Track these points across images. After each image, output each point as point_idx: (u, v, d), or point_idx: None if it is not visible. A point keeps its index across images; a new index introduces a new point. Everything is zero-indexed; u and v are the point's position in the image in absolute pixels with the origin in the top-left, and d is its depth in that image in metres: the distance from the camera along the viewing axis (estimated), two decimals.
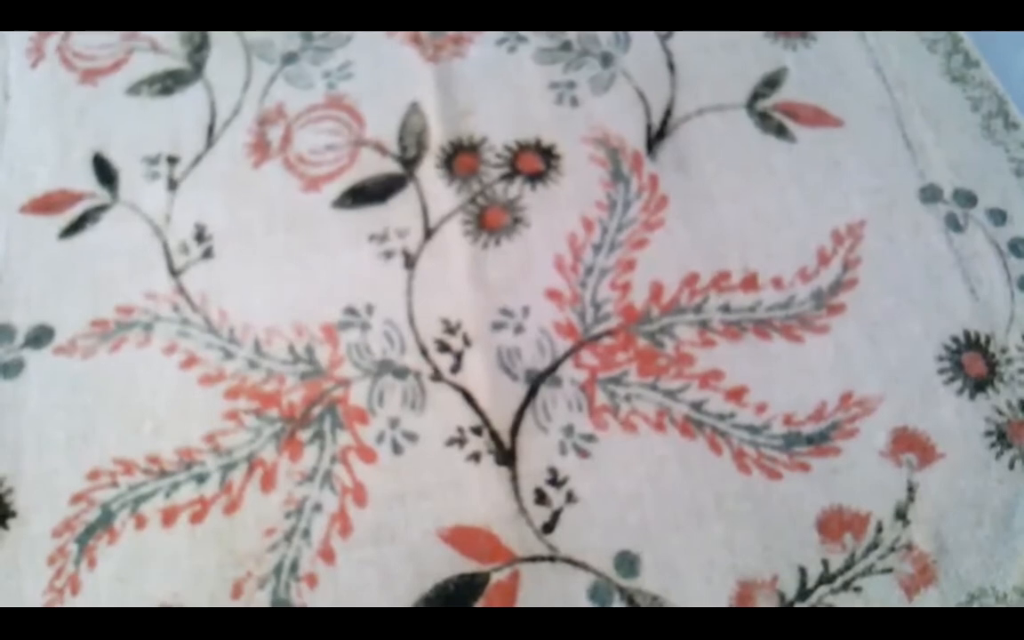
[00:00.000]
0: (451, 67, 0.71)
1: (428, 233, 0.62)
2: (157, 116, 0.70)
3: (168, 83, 0.71)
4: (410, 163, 0.65)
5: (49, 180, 0.67)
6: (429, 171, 0.65)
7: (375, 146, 0.66)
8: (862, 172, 0.65)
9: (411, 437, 0.54)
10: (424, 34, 0.72)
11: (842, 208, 0.63)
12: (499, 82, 0.70)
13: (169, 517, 0.53)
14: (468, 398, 0.55)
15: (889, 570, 0.50)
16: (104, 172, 0.67)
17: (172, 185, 0.66)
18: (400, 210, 0.64)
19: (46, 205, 0.66)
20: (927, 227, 0.62)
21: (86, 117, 0.70)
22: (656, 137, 0.67)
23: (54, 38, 0.74)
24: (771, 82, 0.69)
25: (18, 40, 0.74)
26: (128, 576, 0.51)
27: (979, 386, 0.55)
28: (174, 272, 0.62)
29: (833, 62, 0.71)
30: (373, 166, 0.66)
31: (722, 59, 0.71)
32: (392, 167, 0.66)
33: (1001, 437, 0.54)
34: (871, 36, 0.71)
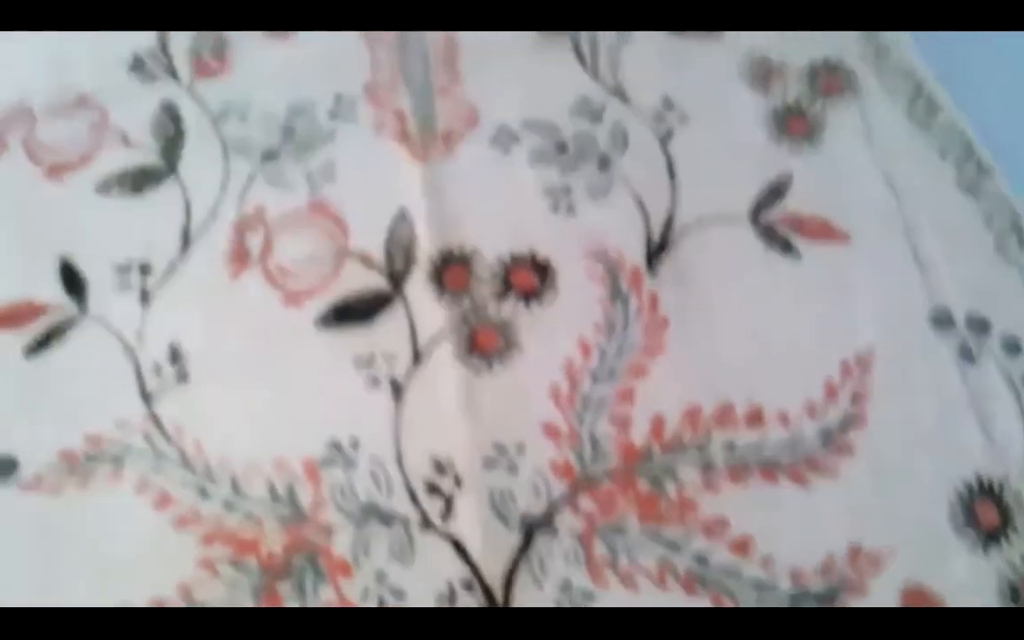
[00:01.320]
0: (441, 168, 0.71)
1: (417, 357, 0.63)
2: (129, 217, 0.70)
3: (140, 180, 0.71)
4: (397, 278, 0.66)
5: (13, 288, 0.67)
6: (418, 286, 0.66)
7: (360, 258, 0.67)
8: (871, 294, 0.65)
9: (398, 593, 0.54)
10: (412, 130, 0.72)
11: (850, 335, 0.64)
12: (492, 186, 0.71)
13: None
14: (459, 549, 0.56)
15: None
16: (72, 281, 0.67)
17: (145, 297, 0.66)
18: (387, 331, 0.64)
19: (10, 318, 0.65)
20: (939, 357, 0.63)
21: (53, 217, 0.70)
22: (656, 251, 0.67)
23: (18, 129, 0.74)
24: (776, 190, 0.70)
25: None
26: None
27: (992, 537, 0.56)
28: (146, 397, 0.62)
29: (840, 169, 0.72)
30: (358, 280, 0.66)
31: (724, 163, 0.72)
32: (378, 282, 0.66)
33: (1014, 593, 0.54)
34: (879, 141, 0.72)
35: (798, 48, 0.77)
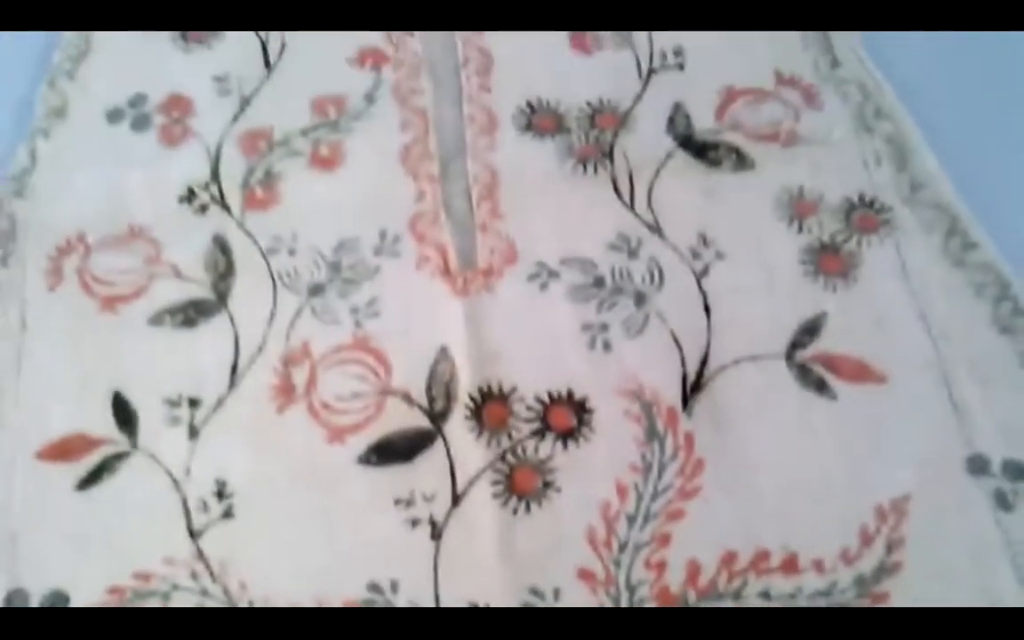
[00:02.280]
0: (481, 303, 0.76)
1: (456, 498, 0.67)
2: (179, 351, 0.75)
3: (191, 313, 0.76)
4: (438, 417, 0.70)
5: (66, 421, 0.72)
6: (457, 425, 0.70)
7: (402, 396, 0.71)
8: (907, 438, 0.68)
9: None
10: (454, 266, 0.77)
11: (886, 480, 0.67)
12: (530, 322, 0.75)
13: None
14: None
15: None
16: (123, 414, 0.72)
17: (193, 432, 0.70)
18: (427, 471, 0.68)
19: (63, 451, 0.70)
20: (974, 504, 0.66)
21: (106, 350, 0.75)
22: (692, 390, 0.71)
23: (73, 259, 0.79)
24: (810, 329, 0.74)
25: (36, 259, 0.80)
26: None
27: None
28: (193, 534, 0.66)
29: (875, 307, 0.75)
30: (400, 418, 0.70)
31: (760, 301, 0.76)
32: (419, 420, 0.70)
33: None
34: (914, 278, 0.76)
35: (833, 183, 0.81)
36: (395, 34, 0.94)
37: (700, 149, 0.84)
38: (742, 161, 0.83)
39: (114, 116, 0.89)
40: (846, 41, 0.90)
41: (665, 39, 0.92)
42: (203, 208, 0.83)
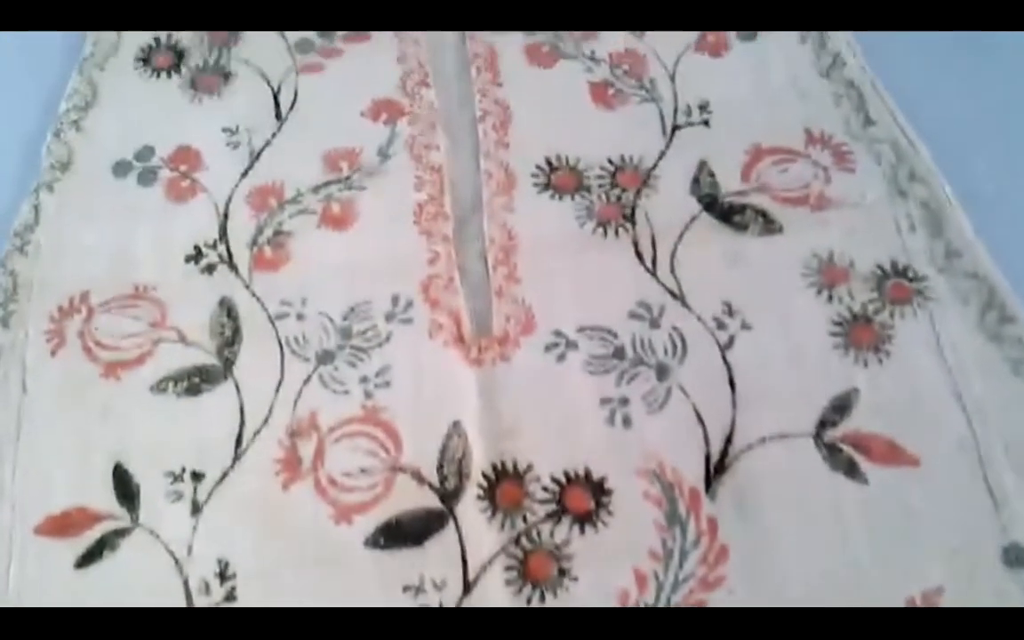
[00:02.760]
0: (495, 374, 0.75)
1: (467, 586, 0.65)
2: (183, 420, 0.74)
3: (196, 381, 0.76)
4: (449, 497, 0.69)
5: (66, 494, 0.71)
6: (470, 505, 0.69)
7: (412, 474, 0.70)
8: (940, 526, 0.67)
9: None
10: (468, 334, 0.76)
11: (918, 571, 0.65)
12: (547, 396, 0.74)
13: None
14: None
15: None
16: (125, 487, 0.71)
17: (196, 508, 0.69)
18: (437, 555, 0.67)
19: (63, 525, 0.70)
20: (1009, 598, 0.64)
21: (108, 418, 0.74)
22: (715, 471, 0.70)
23: (76, 321, 0.79)
24: (840, 406, 0.72)
25: (37, 320, 0.79)
26: None
27: None
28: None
29: (908, 384, 0.73)
30: (409, 498, 0.69)
31: (787, 376, 0.74)
32: (430, 500, 0.69)
33: None
34: (949, 354, 0.74)
35: (864, 249, 0.80)
36: (410, 85, 0.93)
37: (725, 212, 0.82)
38: (770, 225, 0.81)
39: (120, 169, 0.89)
40: (879, 98, 0.88)
41: (690, 93, 0.91)
42: (210, 268, 0.82)
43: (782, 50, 0.94)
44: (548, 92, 0.92)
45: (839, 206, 0.82)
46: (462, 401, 0.73)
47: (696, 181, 0.85)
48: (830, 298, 0.77)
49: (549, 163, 0.87)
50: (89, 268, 0.83)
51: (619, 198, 0.84)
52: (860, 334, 0.76)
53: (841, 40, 0.94)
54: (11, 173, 0.90)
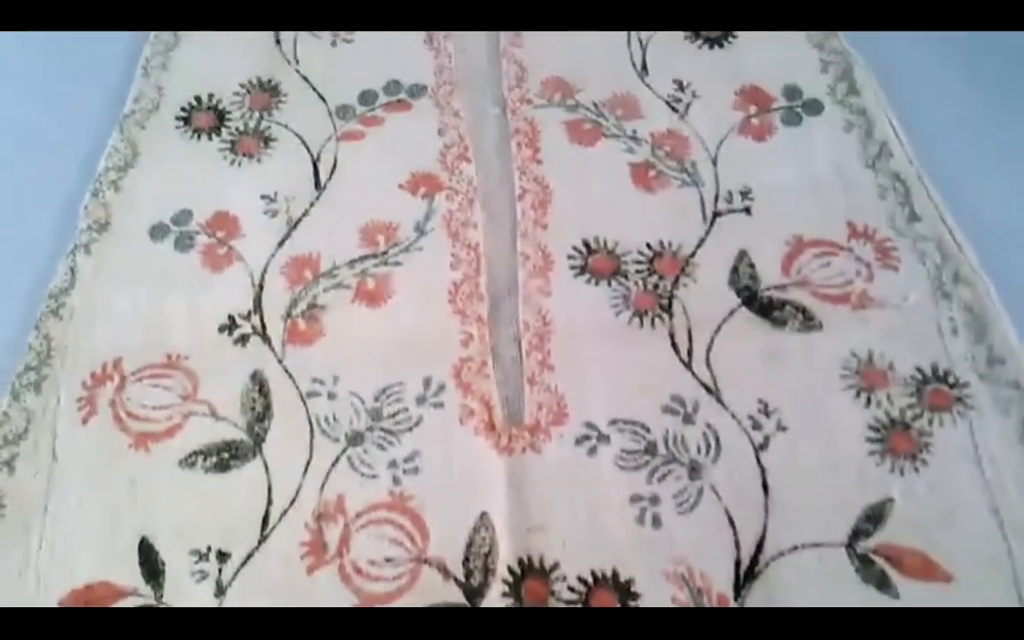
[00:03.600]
0: (525, 464, 0.77)
1: None
2: (210, 497, 0.77)
3: (225, 457, 0.79)
4: (474, 593, 0.71)
5: (92, 568, 0.74)
6: (494, 603, 0.71)
7: (438, 567, 0.72)
8: None
9: None
10: (499, 421, 0.78)
11: None
12: (576, 491, 0.76)
13: None
14: None
15: None
16: (150, 564, 0.74)
17: (220, 590, 0.72)
18: None
19: (86, 600, 0.73)
20: None
21: (136, 492, 0.78)
22: (745, 577, 0.71)
23: (107, 389, 0.82)
24: (875, 516, 0.74)
25: (70, 387, 0.82)
26: None
27: None
28: None
29: (944, 496, 0.75)
30: (434, 592, 0.72)
31: (822, 481, 0.76)
32: (455, 595, 0.71)
33: None
34: (988, 466, 0.76)
35: (905, 351, 0.81)
36: (450, 159, 0.96)
37: (764, 307, 0.84)
38: (809, 321, 0.83)
39: (158, 233, 0.93)
40: (926, 193, 0.90)
41: (732, 178, 0.94)
42: (243, 339, 0.85)
43: (827, 136, 0.96)
44: (588, 172, 0.95)
45: (881, 305, 0.84)
46: (490, 492, 0.76)
47: (735, 271, 0.87)
48: (868, 402, 0.79)
49: (587, 245, 0.89)
50: (123, 334, 0.86)
51: (656, 286, 0.86)
52: (897, 441, 0.77)
53: (888, 129, 0.95)
54: (49, 230, 0.94)
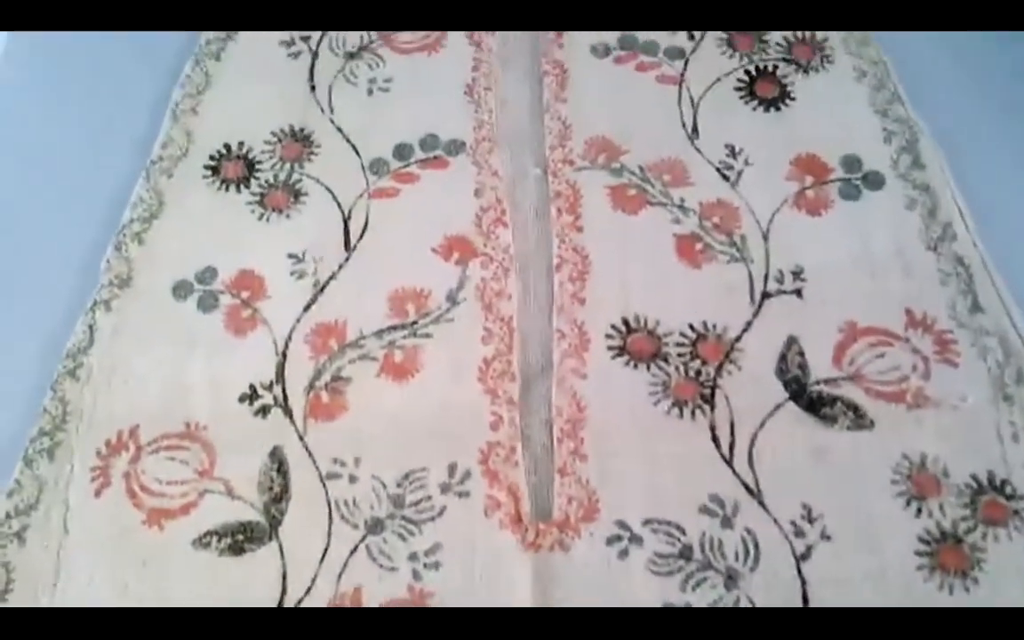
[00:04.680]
0: (552, 564, 0.77)
1: None
2: (223, 580, 0.78)
3: (240, 538, 0.79)
4: None
5: None
6: None
7: None
8: None
9: None
10: (526, 515, 0.78)
11: None
12: (605, 595, 0.76)
13: None
14: None
15: None
16: None
17: None
18: None
19: None
20: None
21: (147, 571, 0.79)
22: None
23: (122, 459, 0.83)
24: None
25: (84, 456, 0.84)
26: None
27: None
28: None
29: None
30: None
31: (866, 596, 0.75)
32: None
33: None
34: None
35: (960, 457, 0.80)
36: (486, 222, 0.96)
37: (813, 402, 0.83)
38: (860, 420, 0.83)
39: (181, 291, 0.94)
40: (990, 281, 0.89)
41: (784, 256, 0.93)
42: (264, 410, 0.86)
43: (887, 214, 0.95)
44: (631, 243, 0.94)
45: (937, 405, 0.83)
46: (514, 592, 0.76)
47: (783, 360, 0.86)
48: (919, 511, 0.78)
49: (626, 323, 0.89)
50: (141, 399, 0.87)
51: (698, 373, 0.85)
52: (948, 556, 0.76)
53: (953, 208, 0.94)
54: (70, 282, 0.95)
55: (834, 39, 1.11)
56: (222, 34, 1.15)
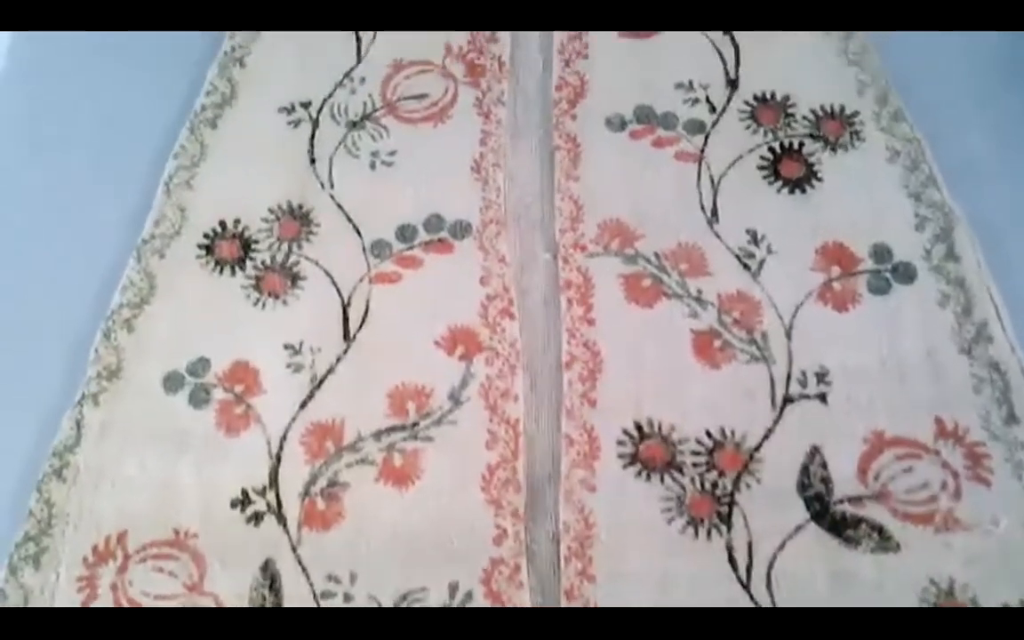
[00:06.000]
0: None
1: None
2: None
3: None
4: None
5: None
6: None
7: None
8: None
9: None
10: None
11: None
12: None
13: None
14: None
15: None
16: None
17: None
18: None
19: None
20: None
21: None
22: None
23: (110, 569, 0.84)
24: None
25: (70, 563, 0.84)
26: None
27: None
28: None
29: None
30: None
31: None
32: None
33: None
34: None
35: (991, 586, 0.80)
36: (492, 314, 0.96)
37: (836, 523, 0.83)
38: (885, 543, 0.83)
39: (172, 383, 0.94)
40: None
41: (808, 355, 0.93)
42: (257, 517, 0.87)
43: (918, 311, 0.94)
44: (645, 338, 0.94)
45: (967, 528, 0.82)
46: None
47: (806, 472, 0.86)
48: None
49: (639, 428, 0.89)
50: (129, 502, 0.88)
51: (715, 486, 0.85)
52: None
53: (989, 307, 0.93)
54: (58, 373, 0.96)
55: (865, 114, 1.09)
56: (218, 98, 1.15)
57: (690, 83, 1.16)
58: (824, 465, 0.87)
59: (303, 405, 0.92)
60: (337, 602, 0.82)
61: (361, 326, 0.98)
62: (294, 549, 0.85)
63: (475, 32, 1.20)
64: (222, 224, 1.06)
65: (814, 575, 0.82)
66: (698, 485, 0.86)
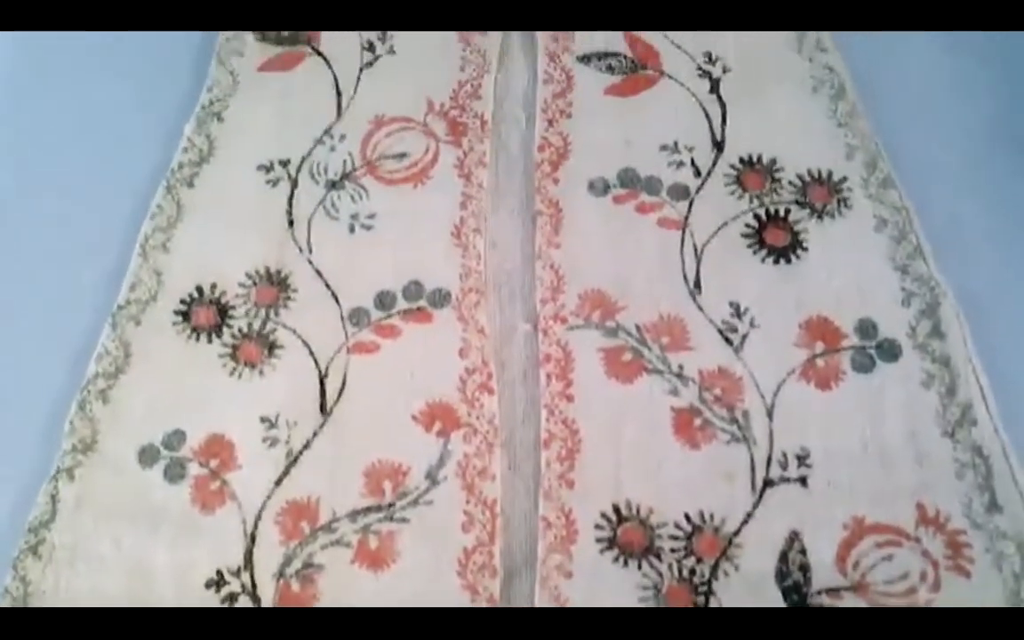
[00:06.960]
0: None
1: None
2: None
3: None
4: None
5: None
6: None
7: None
8: None
9: None
10: None
11: None
12: None
13: None
14: None
15: None
16: None
17: None
18: None
19: None
20: None
21: None
22: None
23: None
24: None
25: None
26: None
27: None
28: None
29: None
30: None
31: None
32: None
33: None
34: None
35: None
36: (471, 388, 0.98)
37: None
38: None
39: (147, 457, 0.97)
40: (1011, 476, 0.90)
41: (789, 436, 0.95)
42: (231, 598, 0.89)
43: (902, 392, 0.96)
44: (625, 416, 0.96)
45: None
46: None
47: (784, 560, 0.88)
48: None
49: (617, 511, 0.91)
50: (103, 582, 0.91)
51: (692, 573, 0.88)
52: None
53: (974, 389, 0.95)
54: (33, 445, 0.98)
55: (853, 179, 1.11)
56: (195, 156, 1.17)
57: (675, 144, 1.17)
58: (803, 551, 0.89)
59: (278, 482, 0.95)
60: None
61: (338, 399, 1.00)
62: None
63: (457, 88, 1.22)
64: (199, 289, 1.08)
65: None
66: (675, 572, 0.88)
